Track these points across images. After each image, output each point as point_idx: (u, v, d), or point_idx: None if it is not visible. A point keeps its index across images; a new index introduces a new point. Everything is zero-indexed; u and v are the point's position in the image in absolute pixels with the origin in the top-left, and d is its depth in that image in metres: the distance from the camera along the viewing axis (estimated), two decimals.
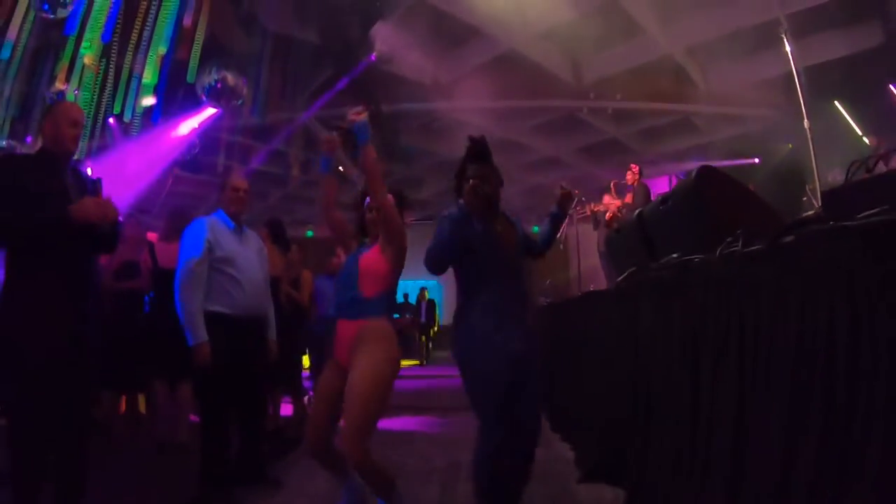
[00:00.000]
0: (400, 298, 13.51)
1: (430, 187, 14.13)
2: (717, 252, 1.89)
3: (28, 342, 2.39)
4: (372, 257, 2.62)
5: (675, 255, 2.36)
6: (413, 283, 14.05)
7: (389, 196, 2.65)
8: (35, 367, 2.38)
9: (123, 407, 4.87)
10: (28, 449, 2.39)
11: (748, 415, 1.73)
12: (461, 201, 2.53)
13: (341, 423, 2.49)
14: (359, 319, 2.54)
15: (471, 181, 2.47)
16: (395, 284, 2.69)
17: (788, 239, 1.49)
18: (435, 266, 2.46)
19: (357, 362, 2.45)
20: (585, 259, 8.34)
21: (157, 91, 7.16)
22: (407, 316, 14.08)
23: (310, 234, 14.67)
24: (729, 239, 1.86)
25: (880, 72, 7.54)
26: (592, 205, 7.47)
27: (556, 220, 2.76)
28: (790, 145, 9.13)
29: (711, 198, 2.23)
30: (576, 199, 8.18)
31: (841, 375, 1.32)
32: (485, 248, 2.46)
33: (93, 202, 2.50)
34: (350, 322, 2.56)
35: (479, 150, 2.56)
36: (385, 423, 5.65)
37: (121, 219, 2.80)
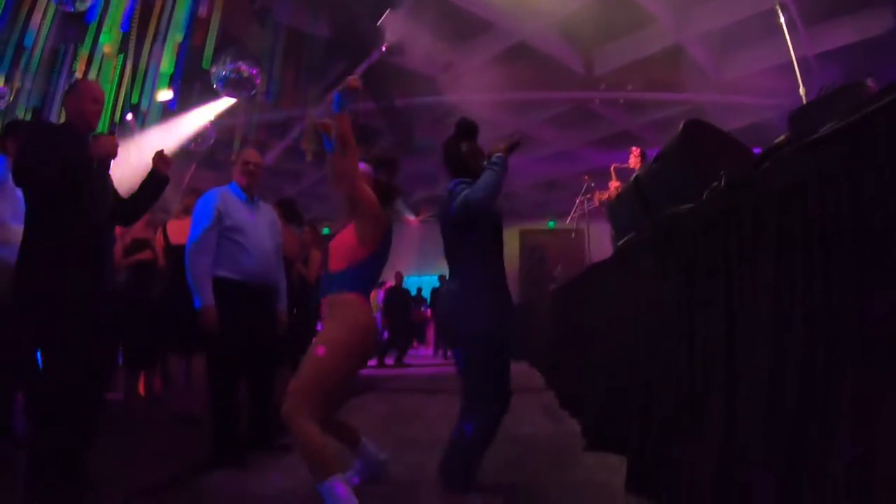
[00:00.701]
0: (413, 292, 13.52)
1: (445, 183, 14.02)
2: (704, 195, 1.92)
3: (42, 305, 2.47)
4: (342, 234, 2.64)
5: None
6: (428, 279, 14.12)
7: (363, 167, 2.66)
8: (50, 329, 2.46)
9: (141, 385, 5.00)
10: (46, 413, 2.46)
11: (737, 364, 1.70)
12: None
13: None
14: (327, 295, 2.56)
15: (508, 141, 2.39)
16: (367, 257, 2.59)
17: (765, 167, 1.53)
18: (485, 204, 2.36)
19: (319, 334, 2.53)
20: (597, 247, 8.33)
21: (173, 81, 7.28)
22: (422, 309, 14.11)
23: (326, 231, 14.75)
24: (714, 183, 1.88)
25: (891, 56, 7.46)
26: (599, 192, 7.48)
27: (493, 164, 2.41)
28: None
29: (699, 149, 2.26)
30: (586, 186, 8.25)
31: (817, 293, 1.34)
32: (494, 218, 2.56)
33: (105, 137, 2.65)
34: (323, 299, 2.58)
35: (473, 128, 2.60)
36: (398, 401, 5.77)
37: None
